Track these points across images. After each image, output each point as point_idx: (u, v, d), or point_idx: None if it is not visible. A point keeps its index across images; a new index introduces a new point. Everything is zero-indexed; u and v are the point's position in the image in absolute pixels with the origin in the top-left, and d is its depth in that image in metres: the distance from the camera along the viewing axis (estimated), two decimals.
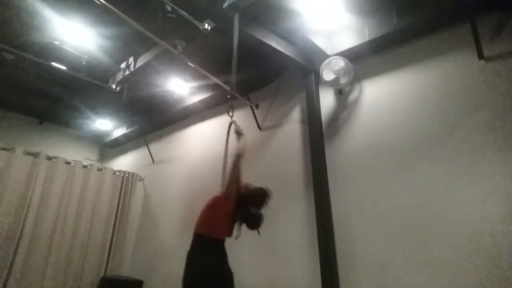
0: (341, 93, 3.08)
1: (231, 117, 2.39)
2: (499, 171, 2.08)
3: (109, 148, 6.37)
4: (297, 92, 3.40)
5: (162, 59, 3.40)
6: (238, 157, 2.02)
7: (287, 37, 2.94)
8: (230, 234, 2.18)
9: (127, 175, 5.01)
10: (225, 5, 2.28)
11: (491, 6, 2.32)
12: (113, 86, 3.85)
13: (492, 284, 1.94)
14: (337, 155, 2.90)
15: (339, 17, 2.85)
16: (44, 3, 2.80)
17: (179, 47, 2.80)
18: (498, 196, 2.05)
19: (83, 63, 3.62)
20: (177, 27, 2.89)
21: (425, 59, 2.62)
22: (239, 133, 2.23)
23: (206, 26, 2.44)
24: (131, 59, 3.58)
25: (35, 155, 4.04)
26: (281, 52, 2.86)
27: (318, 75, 3.04)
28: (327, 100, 3.14)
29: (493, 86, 2.25)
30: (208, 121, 4.39)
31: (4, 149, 3.82)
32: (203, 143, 4.33)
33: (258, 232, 2.06)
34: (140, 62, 3.52)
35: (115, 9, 2.11)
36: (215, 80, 2.82)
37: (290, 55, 2.93)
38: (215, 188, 2.11)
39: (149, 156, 5.16)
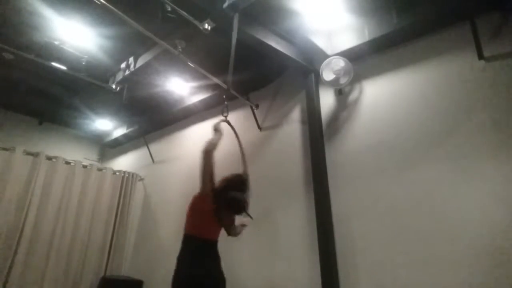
0: (341, 93, 3.08)
1: (225, 117, 2.42)
2: (500, 171, 2.08)
3: (109, 148, 6.37)
4: (297, 92, 3.40)
5: (162, 59, 3.40)
6: (205, 153, 2.02)
7: (287, 37, 2.94)
8: (228, 231, 2.18)
9: (127, 175, 5.01)
10: (225, 5, 2.28)
11: (491, 6, 2.32)
12: (113, 86, 3.85)
13: (493, 285, 1.95)
14: (337, 155, 2.90)
15: (339, 17, 2.85)
16: (44, 3, 2.80)
17: (179, 47, 2.79)
18: (499, 196, 2.05)
19: (83, 63, 3.61)
20: (177, 27, 2.90)
21: (425, 59, 2.62)
22: (216, 130, 2.23)
23: (206, 26, 2.44)
24: (131, 59, 3.58)
25: (35, 155, 4.04)
26: (281, 52, 2.86)
27: (318, 75, 3.04)
28: (327, 100, 3.14)
29: (493, 86, 2.24)
30: (208, 121, 4.38)
31: (4, 149, 3.82)
32: (203, 143, 4.32)
33: (250, 216, 2.05)
34: (140, 62, 3.52)
35: (115, 9, 2.11)
36: (215, 80, 2.82)
37: (290, 55, 2.93)
38: None
39: (149, 156, 5.17)
